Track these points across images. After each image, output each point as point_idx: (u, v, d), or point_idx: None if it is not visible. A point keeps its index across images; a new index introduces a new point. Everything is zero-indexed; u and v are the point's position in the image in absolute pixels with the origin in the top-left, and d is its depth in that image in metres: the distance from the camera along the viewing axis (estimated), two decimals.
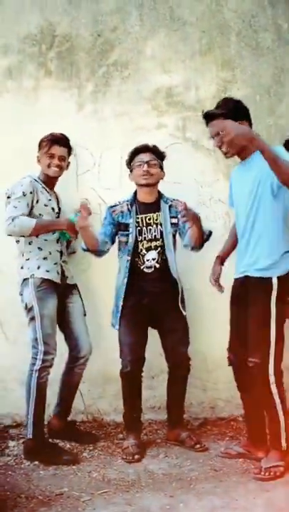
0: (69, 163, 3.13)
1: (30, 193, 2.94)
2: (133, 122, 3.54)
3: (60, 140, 3.01)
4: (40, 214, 2.97)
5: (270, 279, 2.61)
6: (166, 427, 3.23)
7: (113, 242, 3.10)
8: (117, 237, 3.09)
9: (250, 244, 2.69)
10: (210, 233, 3.02)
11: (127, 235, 3.02)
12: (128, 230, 3.02)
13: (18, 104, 3.53)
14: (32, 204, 2.95)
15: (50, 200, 3.04)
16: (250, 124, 2.74)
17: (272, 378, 2.60)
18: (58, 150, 3.01)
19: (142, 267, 3.01)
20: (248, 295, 2.69)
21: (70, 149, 3.09)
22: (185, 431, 3.11)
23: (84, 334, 3.12)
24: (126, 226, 3.03)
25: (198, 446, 3.00)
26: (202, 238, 2.96)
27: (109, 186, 3.49)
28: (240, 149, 2.69)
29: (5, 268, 3.34)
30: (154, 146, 3.08)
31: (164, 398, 3.18)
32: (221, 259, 3.01)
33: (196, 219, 2.82)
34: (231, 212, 3.43)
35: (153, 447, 3.06)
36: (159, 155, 3.07)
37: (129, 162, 3.10)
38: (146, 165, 3.00)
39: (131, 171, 3.11)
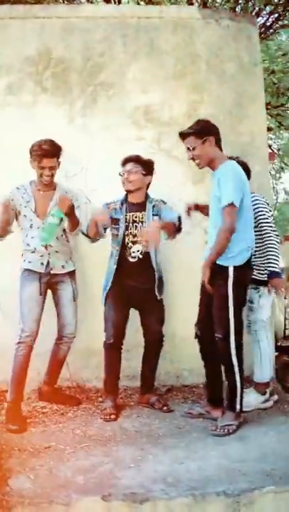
0: (59, 163, 2.98)
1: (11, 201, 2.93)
2: (116, 134, 3.50)
3: (48, 153, 2.85)
4: (24, 215, 2.94)
5: (227, 267, 2.63)
6: (138, 393, 3.22)
7: (106, 232, 3.06)
8: (109, 230, 3.05)
9: (211, 240, 2.71)
10: (179, 219, 2.98)
11: (117, 229, 3.00)
12: (118, 225, 3.00)
13: (17, 116, 3.46)
14: (14, 209, 2.94)
15: (28, 201, 2.94)
16: (219, 139, 2.73)
17: (233, 351, 2.63)
18: (48, 162, 2.86)
19: (128, 257, 2.99)
20: (211, 281, 2.69)
21: (58, 154, 2.92)
22: (154, 395, 3.12)
23: (70, 317, 3.06)
24: (117, 221, 3.01)
25: (165, 408, 3.01)
26: (174, 229, 2.94)
27: (94, 188, 3.45)
28: (208, 163, 2.71)
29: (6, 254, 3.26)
30: (136, 157, 3.03)
31: (137, 369, 3.16)
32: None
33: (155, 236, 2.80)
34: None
35: (127, 409, 3.05)
36: (143, 163, 3.01)
37: (121, 171, 3.06)
38: (126, 173, 2.99)
39: None
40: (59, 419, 2.89)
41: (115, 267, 2.98)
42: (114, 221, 3.02)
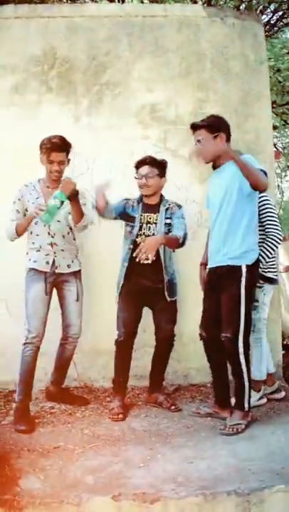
0: (69, 160, 2.99)
1: (19, 199, 2.95)
2: (122, 133, 3.51)
3: (57, 147, 2.87)
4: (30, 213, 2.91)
5: (240, 267, 2.62)
6: (146, 392, 3.23)
7: (116, 215, 3.03)
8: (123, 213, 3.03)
9: (222, 240, 2.68)
10: (185, 235, 2.96)
11: (132, 227, 3.00)
12: (133, 223, 2.99)
13: (22, 116, 3.48)
14: (24, 207, 2.94)
15: (37, 198, 2.93)
16: (229, 136, 2.72)
17: (241, 350, 2.62)
18: (56, 156, 2.88)
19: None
20: (220, 282, 2.69)
21: (68, 149, 2.94)
22: (162, 395, 3.11)
23: (74, 317, 3.04)
24: (133, 219, 3.00)
25: (173, 407, 3.01)
26: (176, 245, 2.94)
27: None
28: (213, 159, 2.70)
29: (8, 254, 3.26)
30: (152, 159, 3.00)
31: (145, 368, 3.16)
32: (205, 265, 2.98)
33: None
34: (203, 211, 3.47)
35: (135, 408, 3.06)
36: (159, 165, 2.99)
37: (136, 171, 3.03)
38: (144, 178, 2.96)
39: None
40: (67, 419, 2.90)
41: (126, 265, 2.98)
42: (130, 219, 3.02)
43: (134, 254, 2.81)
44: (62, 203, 2.78)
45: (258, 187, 2.52)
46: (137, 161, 3.04)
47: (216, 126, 2.66)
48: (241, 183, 2.57)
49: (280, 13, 4.68)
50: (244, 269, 2.62)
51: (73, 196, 2.81)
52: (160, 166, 3.01)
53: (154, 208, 3.04)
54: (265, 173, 2.57)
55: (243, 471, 2.16)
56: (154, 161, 3.00)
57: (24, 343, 2.88)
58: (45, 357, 2.99)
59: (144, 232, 2.99)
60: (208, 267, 2.85)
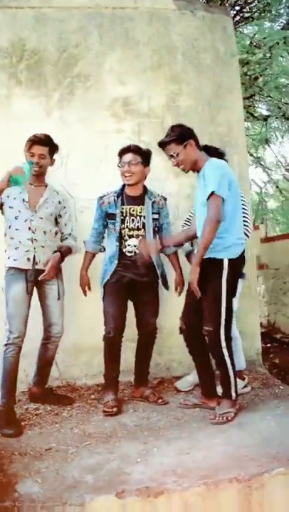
0: (53, 160, 2.96)
1: None
2: (95, 127, 3.45)
3: (40, 140, 2.85)
4: (10, 206, 2.86)
5: (221, 260, 2.64)
6: (131, 387, 3.21)
7: (105, 225, 3.03)
8: (105, 223, 3.02)
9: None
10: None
11: (114, 224, 2.95)
12: (115, 219, 2.94)
13: None
14: (1, 201, 2.87)
15: (20, 193, 2.86)
16: (196, 140, 2.71)
17: (223, 343, 2.64)
18: (38, 149, 2.84)
19: (124, 251, 2.95)
20: (202, 275, 2.68)
21: (52, 147, 2.92)
22: (148, 388, 3.10)
23: (56, 316, 2.98)
24: (113, 216, 2.95)
25: (160, 400, 3.00)
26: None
27: (75, 182, 3.39)
28: (192, 166, 2.71)
29: None
30: (136, 147, 2.97)
31: (127, 363, 3.12)
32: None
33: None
34: (180, 204, 3.48)
35: (122, 404, 3.02)
36: (142, 154, 2.95)
37: (119, 162, 2.98)
38: (127, 165, 2.91)
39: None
40: (54, 419, 2.83)
41: (116, 261, 2.93)
42: (110, 216, 2.97)
43: (137, 243, 2.86)
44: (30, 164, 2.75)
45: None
46: (120, 148, 2.99)
47: (182, 135, 2.66)
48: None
49: (247, 7, 4.73)
50: (226, 263, 2.64)
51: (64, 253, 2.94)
52: (144, 155, 2.97)
53: (137, 200, 2.99)
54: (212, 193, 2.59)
55: (240, 458, 2.18)
56: (137, 148, 2.97)
57: (6, 344, 2.78)
58: (25, 358, 2.90)
59: (127, 226, 2.95)
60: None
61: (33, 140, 2.85)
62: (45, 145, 2.87)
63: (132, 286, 2.97)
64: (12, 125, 3.26)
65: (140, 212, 2.96)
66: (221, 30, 3.60)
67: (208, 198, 2.58)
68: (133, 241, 2.95)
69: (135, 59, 3.52)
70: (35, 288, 2.94)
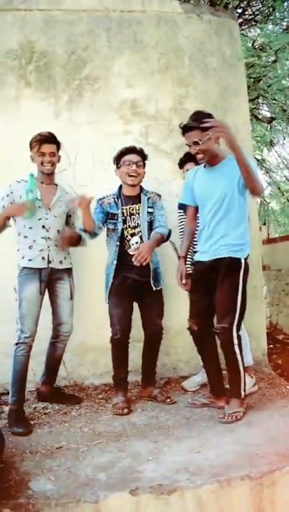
0: (60, 157, 2.97)
1: (7, 195, 2.87)
2: (103, 129, 3.48)
3: (48, 138, 2.86)
4: None
5: (239, 259, 2.67)
6: (138, 387, 3.23)
7: (103, 224, 3.02)
8: (105, 225, 3.03)
9: (220, 234, 2.70)
10: (169, 233, 3.03)
11: (115, 223, 2.97)
12: (116, 219, 2.97)
13: (1, 110, 3.37)
14: (12, 202, 2.87)
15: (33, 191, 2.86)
16: None
17: (235, 340, 2.66)
18: (48, 148, 2.86)
19: (128, 250, 2.97)
20: (214, 274, 2.70)
21: (58, 144, 2.93)
22: (156, 388, 3.12)
23: (66, 316, 3.00)
24: (114, 215, 2.98)
25: (168, 400, 3.02)
26: (162, 242, 2.99)
27: (83, 183, 3.40)
28: (211, 157, 2.70)
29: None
30: (140, 149, 3.01)
31: (134, 363, 3.14)
32: (184, 259, 2.99)
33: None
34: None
35: (131, 404, 3.03)
36: (144, 157, 3.01)
37: (118, 160, 3.01)
38: (134, 165, 2.94)
39: (118, 168, 3.03)
40: (63, 418, 2.85)
41: (116, 261, 2.96)
42: (112, 216, 2.99)
43: (133, 259, 2.80)
44: (31, 191, 2.76)
45: (254, 193, 2.59)
46: (124, 147, 3.02)
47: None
48: (239, 183, 2.62)
49: (249, 9, 4.77)
50: (242, 262, 2.68)
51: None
52: (145, 158, 3.04)
53: (134, 199, 3.03)
54: None
55: (250, 456, 2.20)
56: (141, 150, 3.02)
57: (16, 343, 2.80)
58: (33, 358, 2.90)
59: (129, 225, 2.99)
60: (196, 259, 2.87)
61: (41, 139, 2.84)
62: (53, 142, 2.88)
63: (136, 288, 2.99)
64: (21, 126, 3.27)
65: (138, 210, 3.01)
66: (228, 34, 3.63)
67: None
68: (135, 239, 2.99)
69: (143, 62, 3.54)
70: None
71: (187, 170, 3.21)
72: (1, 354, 3.24)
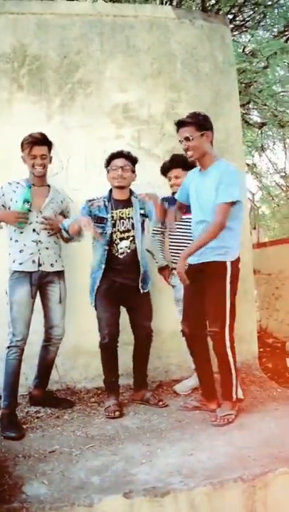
0: (51, 157, 2.97)
1: (3, 195, 2.89)
2: (95, 133, 3.49)
3: (39, 140, 2.85)
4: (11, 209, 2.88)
5: (225, 263, 2.69)
6: (130, 390, 3.23)
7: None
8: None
9: None
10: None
11: (103, 227, 2.97)
12: (104, 223, 2.97)
13: None
14: (4, 205, 2.89)
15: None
16: (212, 136, 2.75)
17: (227, 343, 2.68)
18: (39, 150, 2.85)
19: (116, 254, 2.98)
20: (202, 278, 2.72)
21: (50, 145, 2.92)
22: (148, 391, 3.13)
23: (58, 319, 3.00)
24: (102, 219, 2.98)
25: (160, 403, 3.03)
26: None
27: (75, 187, 3.40)
28: (200, 158, 2.73)
29: None
30: (128, 153, 3.04)
31: (125, 366, 3.14)
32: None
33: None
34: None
35: (123, 407, 3.03)
36: (133, 160, 3.03)
37: (107, 165, 3.04)
38: (120, 170, 2.96)
39: (108, 172, 3.05)
40: (56, 422, 2.85)
41: (103, 266, 2.96)
42: (100, 220, 3.00)
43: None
44: (27, 202, 2.80)
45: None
46: (112, 152, 3.04)
47: (203, 123, 2.68)
48: (218, 192, 2.64)
49: (240, 15, 4.84)
50: (228, 265, 2.69)
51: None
52: (134, 162, 3.05)
53: (124, 203, 3.05)
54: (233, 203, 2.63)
55: (243, 458, 2.23)
56: (129, 154, 3.04)
57: (8, 347, 2.80)
58: (25, 361, 2.90)
59: (118, 229, 3.00)
60: (188, 262, 2.88)
61: (32, 141, 2.83)
62: (44, 144, 2.87)
63: (123, 292, 3.00)
64: (13, 129, 3.27)
65: (128, 215, 3.02)
66: (220, 40, 3.67)
67: (222, 203, 2.60)
68: (125, 243, 2.99)
69: (135, 66, 3.57)
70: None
71: (170, 178, 3.21)
72: None
